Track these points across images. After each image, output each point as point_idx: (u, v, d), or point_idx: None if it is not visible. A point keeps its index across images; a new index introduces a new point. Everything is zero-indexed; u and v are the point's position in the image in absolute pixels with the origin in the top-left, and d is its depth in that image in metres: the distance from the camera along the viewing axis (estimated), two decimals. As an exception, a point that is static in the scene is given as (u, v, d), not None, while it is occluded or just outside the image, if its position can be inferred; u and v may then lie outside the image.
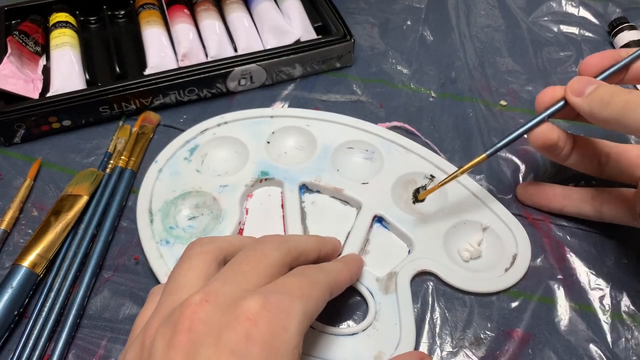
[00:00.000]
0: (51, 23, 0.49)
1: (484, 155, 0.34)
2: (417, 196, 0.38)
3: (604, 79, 0.33)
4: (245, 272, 0.25)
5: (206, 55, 0.47)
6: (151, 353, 0.22)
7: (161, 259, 0.35)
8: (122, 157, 0.41)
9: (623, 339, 0.32)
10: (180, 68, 0.45)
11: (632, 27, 0.50)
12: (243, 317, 0.22)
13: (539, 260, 0.36)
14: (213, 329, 0.22)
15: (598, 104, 0.31)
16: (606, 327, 0.33)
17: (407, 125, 0.44)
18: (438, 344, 0.32)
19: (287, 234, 0.37)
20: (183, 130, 0.43)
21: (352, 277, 0.31)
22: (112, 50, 0.47)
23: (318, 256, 0.30)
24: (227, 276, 0.25)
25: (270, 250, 0.27)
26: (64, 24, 0.48)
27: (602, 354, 0.32)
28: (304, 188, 0.40)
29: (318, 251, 0.30)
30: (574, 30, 0.53)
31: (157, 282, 0.35)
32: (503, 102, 0.46)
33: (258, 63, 0.45)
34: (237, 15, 0.50)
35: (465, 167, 0.35)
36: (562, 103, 0.34)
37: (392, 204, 0.38)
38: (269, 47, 0.48)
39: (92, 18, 0.52)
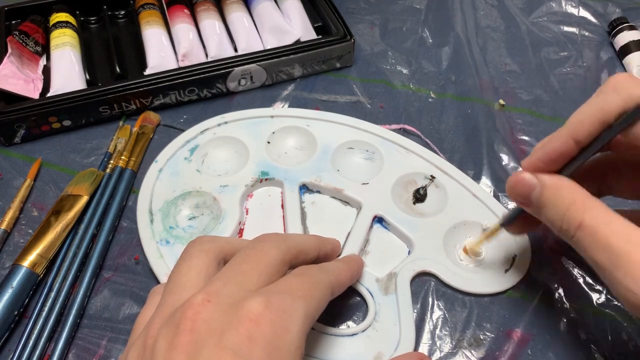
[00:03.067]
0: (51, 23, 0.49)
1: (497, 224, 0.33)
2: (417, 197, 0.38)
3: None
4: (246, 272, 0.25)
5: (206, 55, 0.47)
6: (153, 353, 0.22)
7: (161, 258, 0.35)
8: (122, 157, 0.41)
9: (623, 340, 0.32)
10: (180, 68, 0.45)
11: (632, 27, 0.50)
12: (245, 317, 0.22)
13: (538, 260, 0.36)
14: (215, 329, 0.22)
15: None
16: (606, 328, 0.33)
17: (407, 126, 0.44)
18: (437, 344, 0.32)
19: (286, 233, 0.37)
20: (183, 130, 0.43)
21: (353, 277, 0.31)
22: (112, 50, 0.47)
23: (317, 255, 0.30)
24: (228, 276, 0.25)
25: (269, 248, 0.27)
26: (64, 24, 0.48)
27: (602, 355, 0.32)
28: (304, 188, 0.40)
29: (317, 250, 0.30)
30: (574, 30, 0.53)
31: (157, 282, 0.35)
32: (501, 102, 0.46)
33: (258, 63, 0.45)
34: (237, 15, 0.50)
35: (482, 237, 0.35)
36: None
37: (392, 204, 0.38)
38: (269, 47, 0.48)
39: (92, 18, 0.52)
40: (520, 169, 0.30)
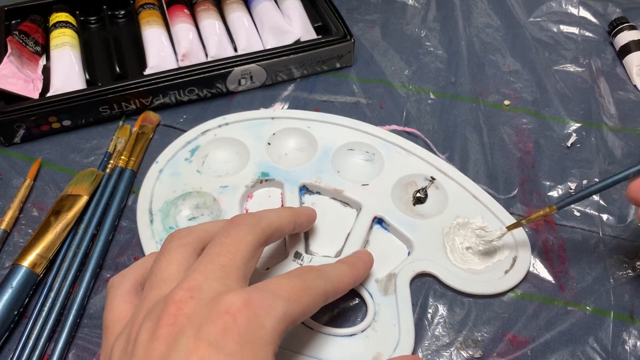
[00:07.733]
0: (51, 23, 0.49)
1: (553, 207, 0.33)
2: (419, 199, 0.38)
3: None
4: (226, 266, 0.25)
5: (206, 55, 0.47)
6: (135, 345, 0.23)
7: (161, 259, 0.35)
8: (122, 157, 0.41)
9: (623, 341, 0.32)
10: (180, 68, 0.45)
11: (632, 27, 0.50)
12: (224, 311, 0.23)
13: (538, 261, 0.36)
14: (195, 322, 0.23)
15: None
16: (606, 329, 0.33)
17: (407, 128, 0.44)
18: (436, 345, 0.32)
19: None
20: (183, 130, 0.43)
21: (356, 281, 0.31)
22: (112, 50, 0.47)
23: (293, 229, 0.32)
24: (208, 269, 0.25)
25: (245, 234, 0.27)
26: (64, 24, 0.48)
27: (601, 356, 0.32)
28: (304, 189, 0.40)
29: (293, 224, 0.31)
30: (574, 30, 0.53)
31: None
32: (507, 102, 0.46)
33: (258, 63, 0.45)
34: (237, 15, 0.50)
35: (533, 216, 0.34)
36: None
37: (392, 205, 0.38)
38: (269, 47, 0.48)
39: (92, 18, 0.52)
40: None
